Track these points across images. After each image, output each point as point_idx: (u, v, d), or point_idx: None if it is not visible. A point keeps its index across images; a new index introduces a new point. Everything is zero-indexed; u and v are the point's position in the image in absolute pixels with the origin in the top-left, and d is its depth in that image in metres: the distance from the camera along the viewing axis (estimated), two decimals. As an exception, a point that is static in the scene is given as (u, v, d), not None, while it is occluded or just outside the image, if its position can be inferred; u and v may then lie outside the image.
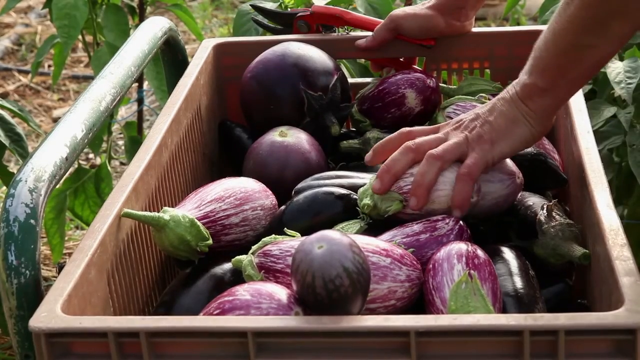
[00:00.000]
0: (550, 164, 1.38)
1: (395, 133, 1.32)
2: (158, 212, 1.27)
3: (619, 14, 1.13)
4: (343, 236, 1.04)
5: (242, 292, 1.08)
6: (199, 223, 1.27)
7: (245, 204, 1.33)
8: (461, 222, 1.24)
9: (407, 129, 1.31)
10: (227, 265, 1.26)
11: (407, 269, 1.14)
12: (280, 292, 1.07)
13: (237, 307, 1.06)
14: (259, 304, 1.05)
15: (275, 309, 1.05)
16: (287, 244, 1.18)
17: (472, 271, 1.11)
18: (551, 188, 1.41)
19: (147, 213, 1.25)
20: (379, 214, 1.27)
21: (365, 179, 1.38)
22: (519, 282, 1.16)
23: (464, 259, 1.14)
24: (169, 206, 1.36)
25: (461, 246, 1.16)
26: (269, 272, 1.17)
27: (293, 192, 1.36)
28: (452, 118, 1.53)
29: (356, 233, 1.24)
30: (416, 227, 1.23)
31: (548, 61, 1.22)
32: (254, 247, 1.20)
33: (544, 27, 1.70)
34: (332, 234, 1.04)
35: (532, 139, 1.27)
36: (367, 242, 1.14)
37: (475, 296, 1.08)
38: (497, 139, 1.25)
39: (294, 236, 1.21)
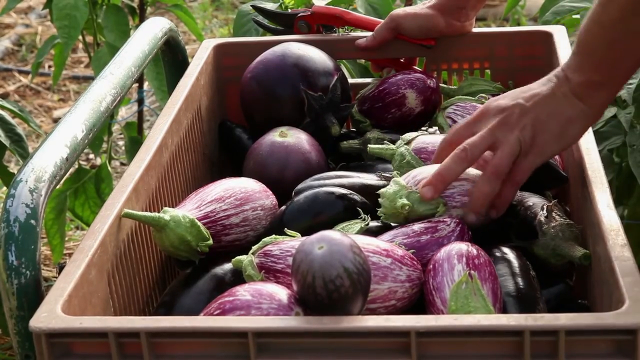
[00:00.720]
0: (550, 163, 1.39)
1: (444, 140, 1.28)
2: (158, 212, 1.27)
3: None
4: (343, 236, 1.04)
5: (243, 292, 1.08)
6: (199, 223, 1.27)
7: (245, 204, 1.33)
8: (462, 223, 1.24)
9: (455, 131, 1.27)
10: (228, 266, 1.26)
11: (407, 269, 1.14)
12: (281, 293, 1.07)
13: (238, 307, 1.06)
14: (260, 304, 1.05)
15: (276, 309, 1.05)
16: (287, 244, 1.18)
17: (472, 271, 1.11)
18: (552, 187, 1.41)
19: (148, 213, 1.25)
20: (417, 215, 1.25)
21: (365, 178, 1.38)
22: (519, 283, 1.16)
23: (464, 259, 1.14)
24: (169, 206, 1.36)
25: (461, 246, 1.16)
26: (269, 272, 1.17)
27: (293, 193, 1.36)
28: (452, 119, 1.53)
29: (357, 233, 1.24)
30: (417, 227, 1.23)
31: (601, 54, 1.17)
32: (254, 248, 1.20)
33: (544, 27, 1.72)
34: (332, 234, 1.04)
35: (583, 135, 1.24)
36: (367, 243, 1.14)
37: (475, 296, 1.08)
38: (550, 141, 1.21)
39: (294, 236, 1.21)
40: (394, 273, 1.13)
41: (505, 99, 1.24)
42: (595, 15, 1.16)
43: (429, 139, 1.40)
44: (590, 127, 1.25)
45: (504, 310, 1.12)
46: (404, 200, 1.24)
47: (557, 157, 1.48)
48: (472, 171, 1.26)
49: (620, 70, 1.19)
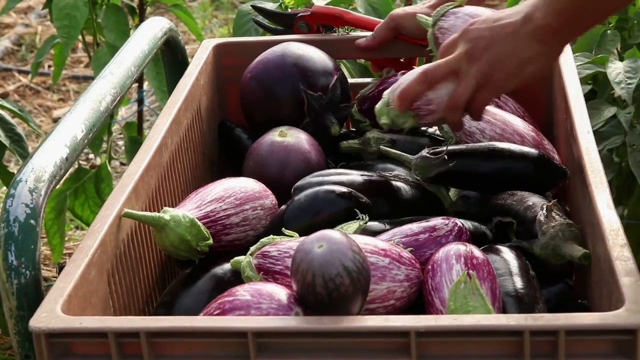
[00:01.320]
0: (552, 161, 1.39)
1: (414, 77, 1.34)
2: (158, 212, 1.27)
3: None
4: (343, 236, 1.04)
5: (242, 292, 1.08)
6: (199, 223, 1.27)
7: (245, 203, 1.33)
8: (460, 223, 1.24)
9: (424, 67, 1.34)
10: (227, 266, 1.26)
11: (405, 268, 1.14)
12: (281, 293, 1.07)
13: (237, 307, 1.06)
14: (259, 304, 1.05)
15: (276, 309, 1.05)
16: (285, 245, 1.18)
17: (470, 271, 1.11)
18: (553, 185, 1.40)
19: (148, 213, 1.25)
20: (396, 127, 1.36)
21: (365, 175, 1.38)
22: (519, 282, 1.16)
23: (462, 259, 1.14)
24: (169, 206, 1.36)
25: (459, 247, 1.16)
26: (267, 273, 1.17)
27: (292, 190, 1.37)
28: (445, 29, 1.56)
29: (354, 233, 1.24)
30: (415, 227, 1.23)
31: (566, 5, 1.22)
32: (252, 248, 1.20)
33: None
34: (332, 233, 1.04)
35: (541, 75, 1.30)
36: (365, 242, 1.14)
37: (474, 296, 1.08)
38: (507, 80, 1.28)
39: (292, 236, 1.21)
40: (392, 273, 1.13)
41: (481, 25, 1.31)
42: None
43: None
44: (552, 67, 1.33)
45: (503, 310, 1.12)
46: (384, 119, 1.36)
47: (557, 157, 1.48)
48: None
49: (580, 23, 1.25)
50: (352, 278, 1.02)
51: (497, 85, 1.29)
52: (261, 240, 1.21)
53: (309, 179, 1.39)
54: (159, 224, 1.25)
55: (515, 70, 1.27)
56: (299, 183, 1.38)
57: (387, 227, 1.28)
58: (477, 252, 1.16)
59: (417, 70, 1.34)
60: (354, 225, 1.27)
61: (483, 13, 1.49)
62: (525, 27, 1.25)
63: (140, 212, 1.24)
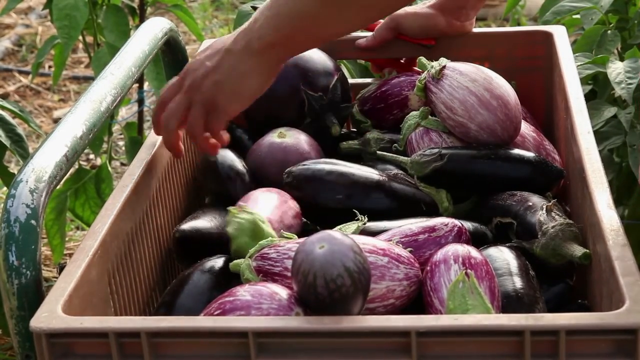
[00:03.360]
0: (545, 161, 1.39)
1: (158, 101, 1.36)
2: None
3: (357, 2, 1.19)
4: (344, 236, 1.04)
5: (243, 292, 1.08)
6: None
7: None
8: (460, 224, 1.24)
9: (165, 91, 1.36)
10: (228, 265, 1.26)
11: (404, 267, 1.14)
12: (281, 293, 1.07)
13: (238, 307, 1.06)
14: (260, 304, 1.05)
15: (276, 310, 1.05)
16: (284, 247, 1.18)
17: (468, 270, 1.11)
18: (552, 185, 1.40)
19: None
20: None
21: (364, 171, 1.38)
22: (519, 282, 1.16)
23: (460, 259, 1.14)
24: (169, 206, 1.36)
25: (457, 247, 1.16)
26: (266, 275, 1.17)
27: (286, 175, 1.36)
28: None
29: (353, 233, 1.24)
30: (415, 228, 1.24)
31: (285, 22, 1.24)
32: (251, 251, 1.20)
33: (544, 27, 1.72)
34: (333, 233, 1.04)
35: (261, 90, 1.32)
36: (364, 242, 1.15)
37: (472, 294, 1.08)
38: (230, 99, 1.30)
39: (290, 238, 1.21)
40: (391, 272, 1.13)
41: (201, 55, 1.33)
42: None
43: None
44: (267, 83, 1.32)
45: (504, 310, 1.12)
46: None
47: (557, 157, 1.48)
48: None
49: (295, 44, 1.27)
50: (353, 278, 1.02)
51: (223, 107, 1.31)
52: (260, 242, 1.21)
53: (309, 164, 1.39)
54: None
55: (235, 87, 1.29)
56: (294, 168, 1.38)
57: (387, 227, 1.28)
58: (475, 252, 1.16)
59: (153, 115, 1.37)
60: (352, 226, 1.27)
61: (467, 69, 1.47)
62: (239, 44, 1.28)
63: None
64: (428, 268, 1.16)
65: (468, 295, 1.08)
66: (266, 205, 1.32)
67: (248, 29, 1.27)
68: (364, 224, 1.27)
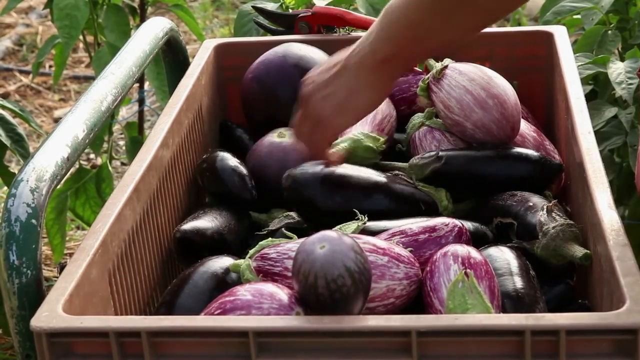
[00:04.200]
0: (546, 158, 1.39)
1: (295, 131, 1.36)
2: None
3: (467, 6, 1.15)
4: (344, 236, 1.04)
5: (244, 292, 1.08)
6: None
7: None
8: (460, 224, 1.24)
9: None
10: (229, 265, 1.26)
11: (404, 266, 1.14)
12: (282, 293, 1.07)
13: (238, 307, 1.06)
14: (260, 304, 1.05)
15: (277, 309, 1.05)
16: (284, 247, 1.18)
17: (468, 270, 1.11)
18: (552, 180, 1.40)
19: None
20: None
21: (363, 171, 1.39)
22: (519, 283, 1.16)
23: (459, 259, 1.14)
24: (169, 206, 1.36)
25: (457, 248, 1.16)
26: (266, 275, 1.17)
27: (285, 178, 1.37)
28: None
29: (353, 233, 1.24)
30: (415, 227, 1.24)
31: (396, 33, 1.21)
32: (251, 251, 1.20)
33: (544, 28, 1.72)
34: (333, 234, 1.04)
35: (372, 106, 1.30)
36: (364, 242, 1.15)
37: (472, 294, 1.08)
38: (336, 114, 1.28)
39: (291, 238, 1.21)
40: (391, 271, 1.13)
41: (313, 73, 1.33)
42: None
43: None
44: (379, 99, 1.29)
45: (503, 310, 1.12)
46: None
47: (557, 157, 1.48)
48: None
49: (409, 55, 1.24)
50: (354, 279, 1.02)
51: (329, 121, 1.29)
52: (260, 243, 1.21)
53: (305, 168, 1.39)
54: None
55: (344, 102, 1.27)
56: (295, 171, 1.38)
57: (386, 227, 1.28)
58: (474, 252, 1.16)
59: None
60: (352, 225, 1.27)
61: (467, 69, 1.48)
62: (352, 59, 1.26)
63: None
64: (428, 268, 1.16)
65: (468, 295, 1.09)
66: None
67: (362, 43, 1.25)
68: (364, 223, 1.27)
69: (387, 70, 1.25)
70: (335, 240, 1.03)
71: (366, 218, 1.28)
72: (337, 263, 1.01)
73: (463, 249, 1.16)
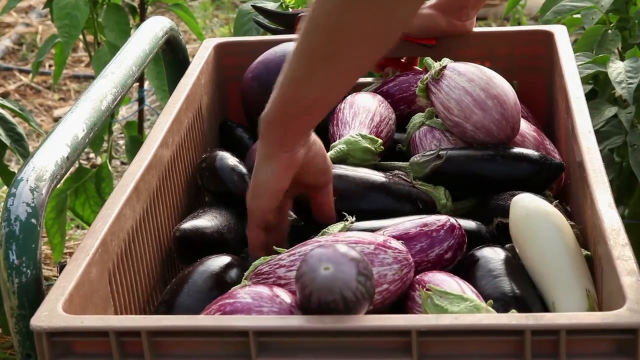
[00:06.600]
0: (547, 157, 1.39)
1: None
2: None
3: (330, 61, 1.13)
4: (351, 261, 1.02)
5: (244, 295, 1.08)
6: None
7: None
8: (454, 220, 1.23)
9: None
10: (229, 264, 1.26)
11: (392, 252, 1.14)
12: (282, 296, 1.07)
13: (238, 310, 1.06)
14: (260, 307, 1.05)
15: (277, 313, 1.04)
16: (275, 259, 1.18)
17: (426, 286, 1.11)
18: (553, 179, 1.40)
19: None
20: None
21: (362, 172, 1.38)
22: (516, 283, 1.16)
23: (415, 284, 1.15)
24: (169, 205, 1.35)
25: (407, 274, 1.16)
26: None
27: None
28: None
29: (340, 232, 1.24)
30: (408, 224, 1.23)
31: (276, 90, 1.21)
32: (246, 273, 1.21)
33: (544, 27, 1.72)
34: (342, 257, 1.02)
35: (276, 181, 1.24)
36: (348, 235, 1.15)
37: (445, 299, 1.09)
38: (259, 185, 1.25)
39: (280, 253, 1.21)
40: (379, 257, 1.13)
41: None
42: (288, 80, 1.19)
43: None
44: (274, 172, 1.24)
45: (503, 310, 1.12)
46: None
47: (558, 157, 1.48)
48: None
49: (287, 123, 1.21)
50: (348, 306, 1.01)
51: (250, 209, 1.27)
52: (254, 263, 1.21)
53: None
54: None
55: (254, 184, 1.25)
56: None
57: (377, 226, 1.27)
58: (410, 269, 1.16)
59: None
60: (339, 225, 1.27)
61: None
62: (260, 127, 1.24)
63: None
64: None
65: (444, 303, 1.09)
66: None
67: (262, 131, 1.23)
68: (352, 223, 1.27)
69: (272, 135, 1.22)
70: (340, 266, 1.01)
71: (354, 218, 1.28)
72: (334, 290, 1.00)
73: (405, 271, 1.15)
